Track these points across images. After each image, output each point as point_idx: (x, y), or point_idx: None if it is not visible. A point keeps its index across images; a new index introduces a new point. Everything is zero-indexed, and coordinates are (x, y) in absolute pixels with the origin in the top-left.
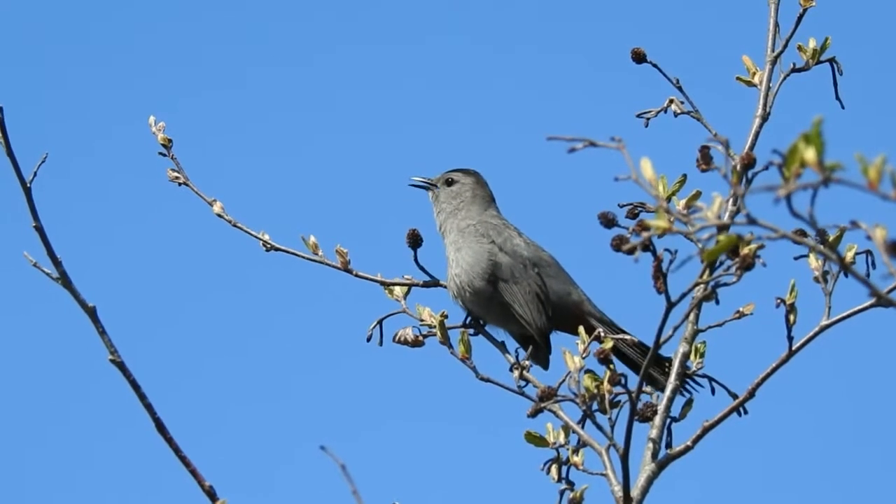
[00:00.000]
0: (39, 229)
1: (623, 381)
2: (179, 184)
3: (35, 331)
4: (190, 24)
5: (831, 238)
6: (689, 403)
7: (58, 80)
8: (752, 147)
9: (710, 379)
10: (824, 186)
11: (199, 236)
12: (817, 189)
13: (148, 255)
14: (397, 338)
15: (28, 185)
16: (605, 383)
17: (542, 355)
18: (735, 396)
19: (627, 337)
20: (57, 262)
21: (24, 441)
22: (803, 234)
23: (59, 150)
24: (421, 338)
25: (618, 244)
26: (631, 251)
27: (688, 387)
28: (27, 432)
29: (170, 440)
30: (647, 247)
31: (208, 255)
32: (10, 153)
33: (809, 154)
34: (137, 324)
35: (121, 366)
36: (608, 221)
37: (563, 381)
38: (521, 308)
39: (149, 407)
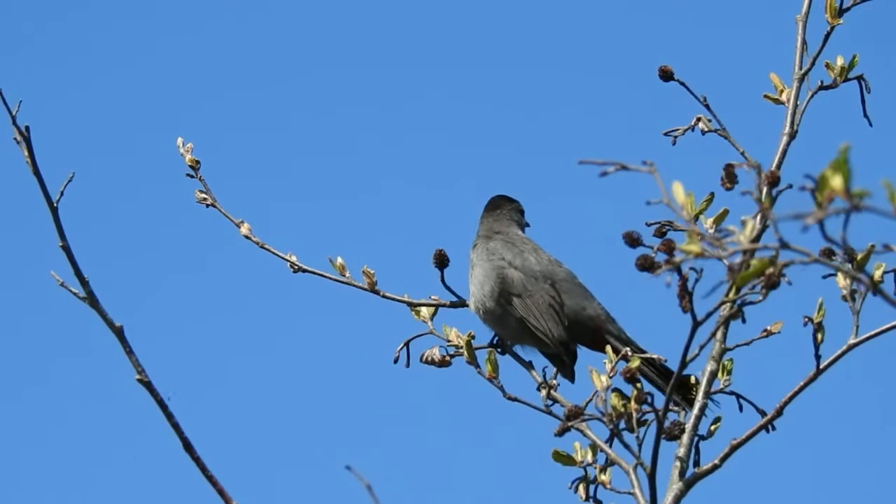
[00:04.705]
0: (66, 249)
1: (650, 399)
2: (207, 205)
3: (62, 350)
4: (222, 43)
5: (859, 258)
6: (716, 421)
7: (85, 100)
8: (779, 164)
9: (738, 396)
10: (852, 213)
11: (227, 257)
12: (848, 215)
13: (175, 275)
14: (424, 357)
15: (55, 204)
16: (633, 402)
17: (566, 367)
18: (762, 412)
19: (653, 356)
20: (84, 282)
21: (52, 461)
22: (832, 253)
23: (86, 169)
24: (448, 357)
25: (643, 264)
26: (656, 270)
27: (712, 404)
28: (55, 452)
29: (197, 459)
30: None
31: (236, 276)
32: (36, 172)
33: (836, 182)
34: (165, 344)
35: (148, 385)
36: (633, 241)
37: (591, 400)
38: (537, 321)
39: (176, 426)
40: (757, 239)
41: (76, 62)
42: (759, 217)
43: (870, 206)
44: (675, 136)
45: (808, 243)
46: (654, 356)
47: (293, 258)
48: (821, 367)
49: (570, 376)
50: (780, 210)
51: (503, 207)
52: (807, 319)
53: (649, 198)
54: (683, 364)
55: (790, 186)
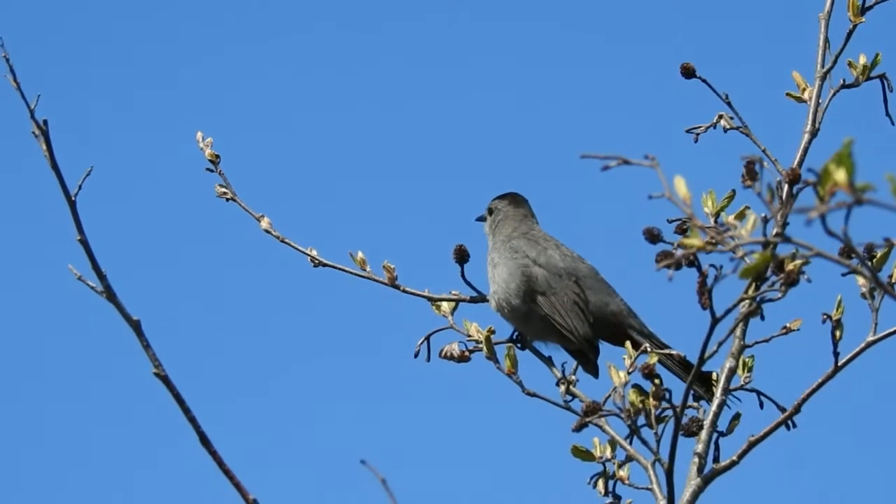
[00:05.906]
0: (84, 243)
1: (668, 395)
2: (227, 199)
3: (79, 344)
4: (242, 37)
5: (878, 255)
6: (736, 417)
7: (104, 93)
8: (801, 162)
9: (759, 393)
10: (855, 207)
11: (247, 251)
12: (850, 210)
13: (194, 269)
14: (443, 353)
15: (73, 198)
16: (651, 399)
17: (590, 363)
18: (782, 410)
19: (673, 352)
20: (101, 276)
21: (69, 455)
22: (849, 251)
23: (104, 162)
24: (467, 353)
25: (662, 260)
26: (674, 266)
27: (734, 400)
28: (72, 446)
29: (214, 453)
30: (692, 263)
31: (255, 270)
32: (54, 166)
33: (840, 175)
34: (182, 337)
35: (165, 379)
36: (653, 237)
37: (609, 396)
38: (562, 318)
39: (193, 420)
40: (773, 235)
41: (95, 55)
42: (772, 213)
43: (874, 199)
44: (697, 134)
45: (825, 240)
46: (674, 352)
47: (314, 252)
48: (839, 364)
49: (594, 371)
50: (797, 208)
51: (517, 206)
52: (826, 317)
53: (665, 193)
54: (701, 361)
55: (807, 184)
